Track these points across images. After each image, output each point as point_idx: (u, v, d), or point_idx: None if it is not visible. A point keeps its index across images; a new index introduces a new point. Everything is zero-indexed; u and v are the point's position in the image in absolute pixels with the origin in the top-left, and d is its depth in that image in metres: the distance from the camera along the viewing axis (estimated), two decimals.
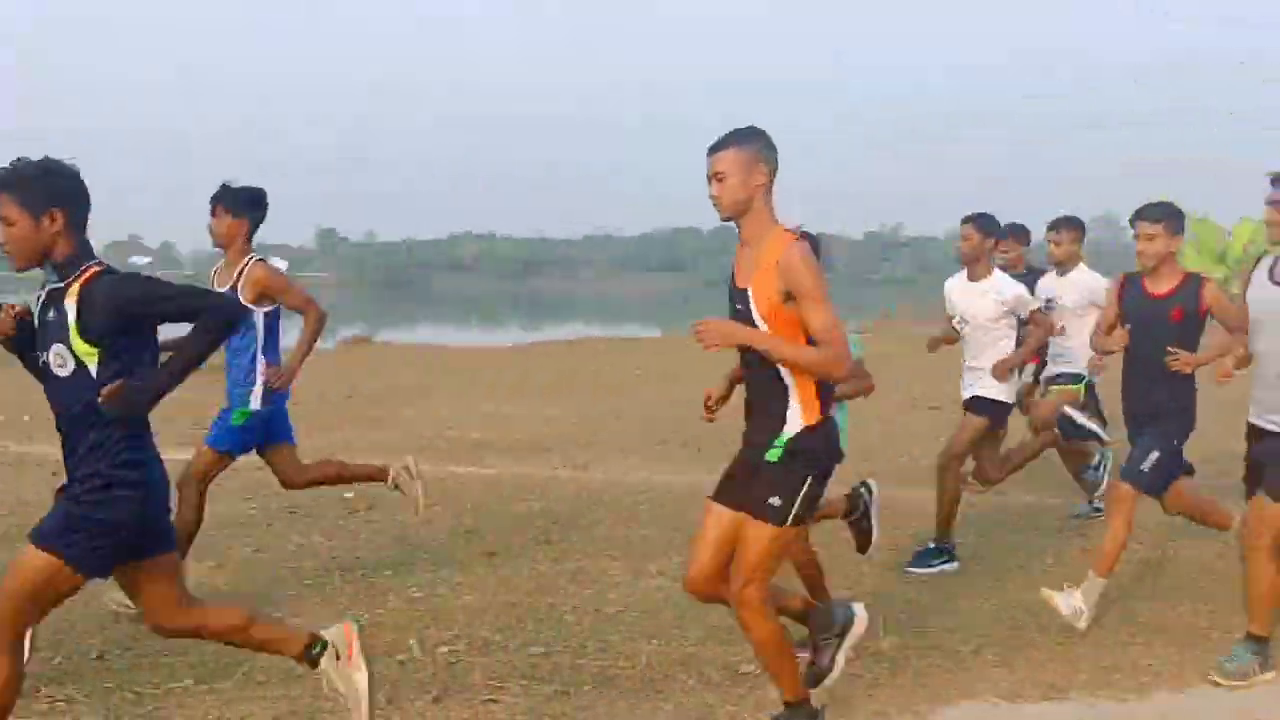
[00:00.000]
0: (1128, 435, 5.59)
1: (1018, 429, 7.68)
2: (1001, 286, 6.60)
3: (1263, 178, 4.96)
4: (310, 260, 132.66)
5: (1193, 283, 5.42)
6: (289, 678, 4.74)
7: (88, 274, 3.68)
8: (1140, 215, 5.43)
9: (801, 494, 3.92)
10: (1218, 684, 4.83)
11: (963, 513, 7.66)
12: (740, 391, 4.32)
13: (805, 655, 5.01)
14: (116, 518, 3.65)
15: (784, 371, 3.91)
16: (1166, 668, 5.02)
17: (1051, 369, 7.55)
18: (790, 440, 3.93)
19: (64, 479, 3.74)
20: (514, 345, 26.28)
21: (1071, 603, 5.29)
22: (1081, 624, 5.28)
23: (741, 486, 4.03)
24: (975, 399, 6.61)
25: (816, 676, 4.23)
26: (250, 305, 5.63)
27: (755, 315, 3.93)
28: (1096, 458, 7.72)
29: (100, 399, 3.60)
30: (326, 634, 4.06)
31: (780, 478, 3.92)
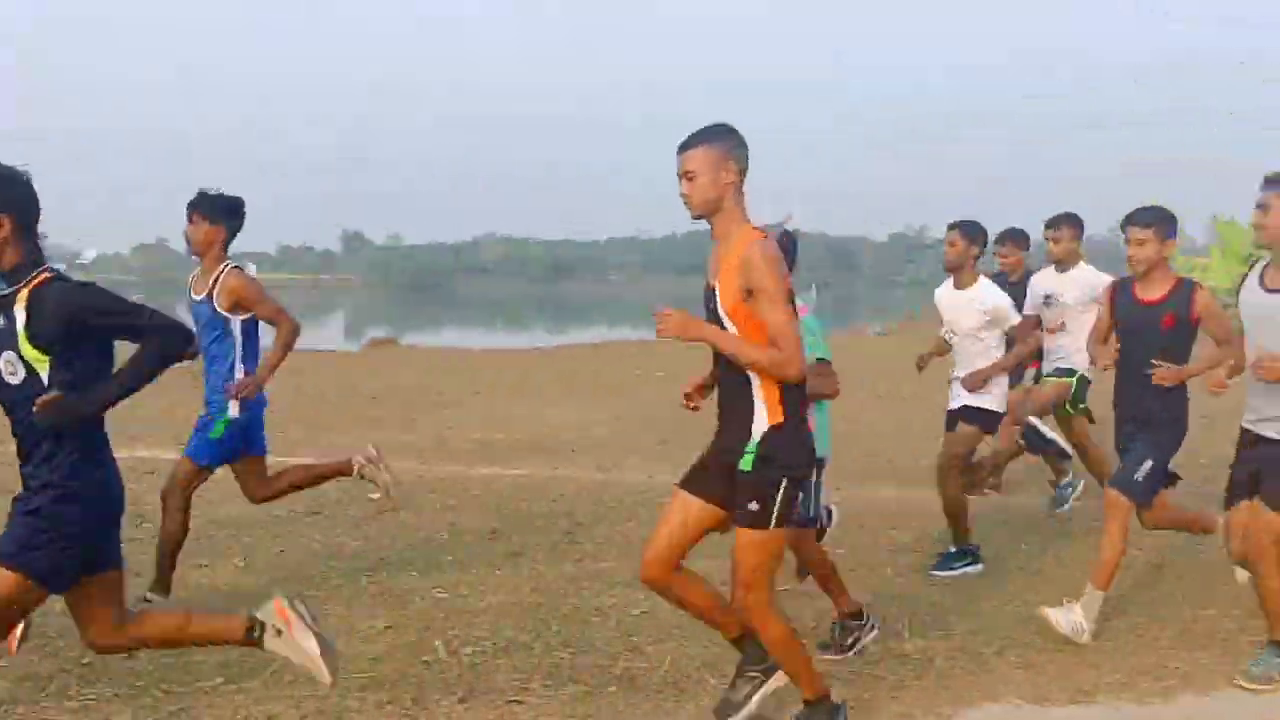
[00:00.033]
0: (1117, 441, 5.51)
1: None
2: (984, 296, 6.45)
3: (1263, 178, 4.92)
4: (335, 263, 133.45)
5: (1185, 289, 5.32)
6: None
7: (38, 280, 3.68)
8: (1131, 220, 5.36)
9: (779, 496, 3.92)
10: (1243, 688, 4.81)
11: (989, 515, 7.67)
12: None
13: (826, 655, 5.05)
14: (73, 530, 3.68)
15: (750, 373, 3.92)
16: (1192, 671, 5.00)
17: (1046, 365, 7.54)
18: (759, 444, 3.93)
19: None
20: (539, 348, 26.34)
21: (1071, 619, 5.25)
22: (1084, 639, 5.23)
23: (712, 479, 4.05)
24: (966, 408, 6.48)
25: (726, 708, 4.21)
26: (226, 313, 5.61)
27: (721, 313, 3.95)
28: (1071, 475, 7.69)
29: (35, 408, 3.60)
30: (259, 614, 4.07)
31: (756, 483, 3.93)
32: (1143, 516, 5.52)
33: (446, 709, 4.52)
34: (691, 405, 4.30)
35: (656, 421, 12.79)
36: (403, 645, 5.21)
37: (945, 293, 6.67)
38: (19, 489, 3.81)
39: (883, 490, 8.76)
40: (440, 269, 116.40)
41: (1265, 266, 4.93)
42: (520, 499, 8.49)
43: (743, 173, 3.99)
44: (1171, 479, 5.51)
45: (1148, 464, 5.28)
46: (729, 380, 4.02)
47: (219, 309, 5.63)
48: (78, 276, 3.98)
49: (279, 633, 4.05)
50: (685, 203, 4.00)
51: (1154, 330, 5.31)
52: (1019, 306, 6.99)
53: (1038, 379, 7.72)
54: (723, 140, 3.97)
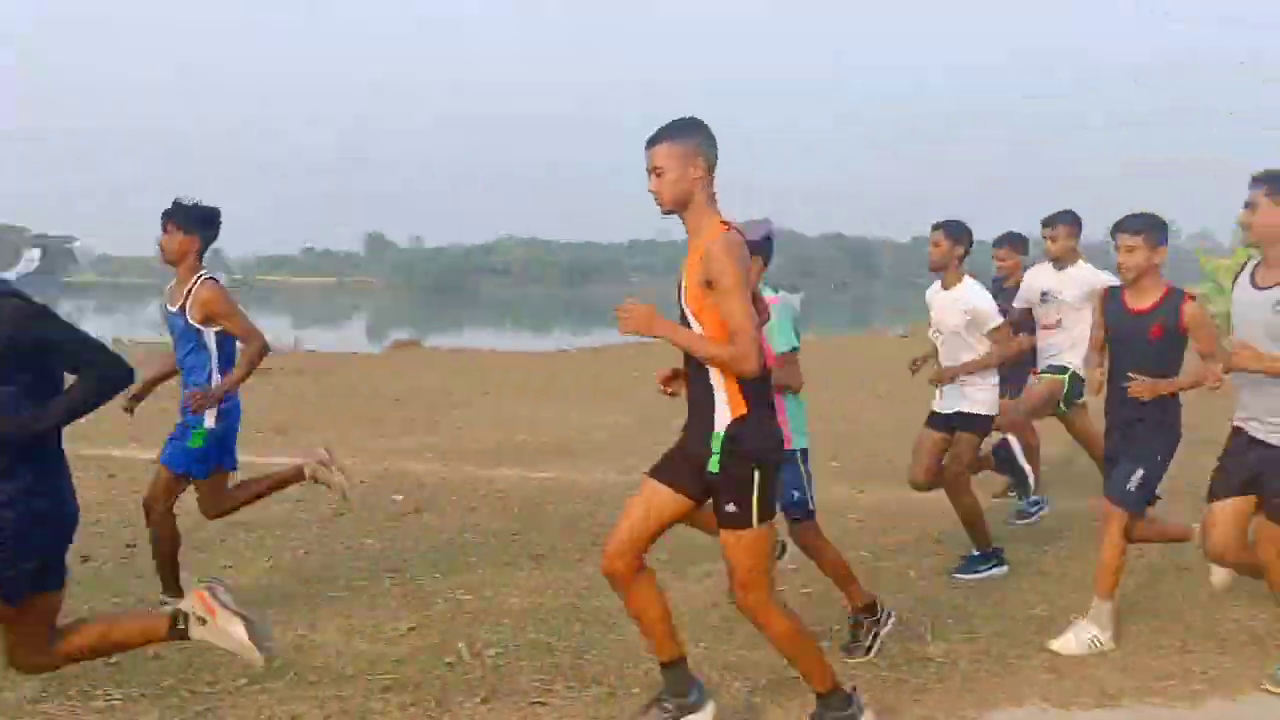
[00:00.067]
0: (1108, 450, 5.44)
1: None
2: (967, 295, 6.38)
3: (1251, 176, 4.89)
4: (359, 265, 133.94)
5: (1174, 299, 5.23)
6: (340, 678, 4.81)
7: None
8: (1120, 227, 5.29)
9: (755, 492, 3.90)
10: (1270, 692, 4.77)
11: (1013, 518, 7.64)
12: None
13: (851, 660, 5.04)
14: (26, 546, 3.69)
15: (712, 368, 3.92)
16: (1219, 675, 4.97)
17: (1039, 362, 7.48)
18: (723, 440, 3.91)
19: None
20: (562, 350, 26.37)
21: (1083, 637, 5.22)
22: (1107, 647, 5.20)
23: (681, 469, 4.03)
24: (959, 416, 6.41)
25: None
26: (199, 325, 5.54)
27: (685, 306, 3.95)
28: (1037, 497, 7.60)
29: None
30: (182, 606, 4.08)
31: (728, 484, 3.92)
32: (1128, 529, 5.42)
33: (470, 710, 4.53)
34: (669, 391, 4.26)
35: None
36: (426, 647, 5.23)
37: (933, 292, 6.63)
38: None
39: (883, 491, 8.71)
40: (462, 271, 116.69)
41: (1257, 265, 4.90)
42: (543, 501, 8.50)
43: (711, 167, 3.97)
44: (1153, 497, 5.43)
45: (1139, 473, 5.21)
46: (693, 373, 4.02)
47: (191, 321, 5.55)
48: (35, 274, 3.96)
49: (203, 621, 4.05)
50: (655, 199, 3.99)
51: (1142, 340, 5.24)
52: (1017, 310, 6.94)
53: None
54: (690, 135, 3.95)
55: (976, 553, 6.51)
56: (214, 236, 5.74)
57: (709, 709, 4.20)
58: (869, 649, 5.13)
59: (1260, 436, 4.85)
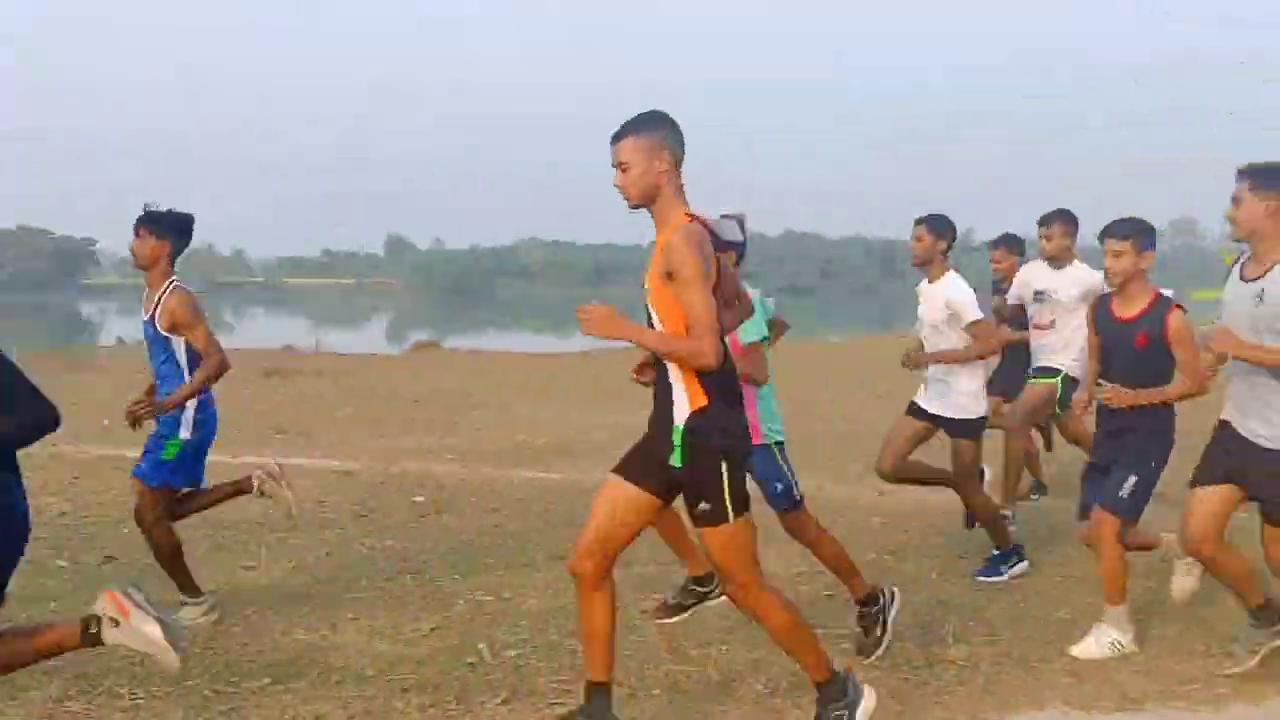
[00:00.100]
0: (1097, 457, 5.39)
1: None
2: (947, 289, 6.36)
3: (1236, 170, 4.85)
4: (379, 266, 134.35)
5: (1160, 308, 5.17)
6: (362, 678, 4.83)
7: None
8: (1107, 231, 5.23)
9: (725, 486, 3.87)
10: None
11: (1034, 520, 7.62)
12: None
13: (868, 660, 5.03)
14: None
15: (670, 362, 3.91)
16: (1243, 680, 4.94)
17: (1032, 364, 7.44)
18: (683, 434, 3.89)
19: None
20: (584, 351, 26.37)
21: (1103, 641, 5.20)
22: (1129, 648, 5.18)
23: (645, 466, 4.02)
24: (950, 422, 6.38)
25: None
26: (166, 334, 5.48)
27: (649, 301, 3.94)
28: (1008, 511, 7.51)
29: None
30: (94, 609, 4.04)
31: (696, 480, 3.90)
32: (1081, 532, 5.38)
33: (490, 711, 4.54)
34: (643, 380, 4.22)
35: None
36: (446, 648, 5.25)
37: (922, 287, 6.62)
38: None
39: (904, 492, 8.70)
40: (482, 272, 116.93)
41: (1247, 259, 4.88)
42: (563, 502, 8.51)
43: (678, 161, 3.95)
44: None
45: (1132, 480, 5.16)
46: (657, 367, 4.01)
47: (160, 329, 5.50)
48: None
49: (116, 623, 4.01)
50: (621, 194, 3.96)
51: (1129, 348, 5.20)
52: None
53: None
54: (654, 129, 3.93)
55: (997, 552, 6.50)
56: (186, 243, 5.69)
57: None
58: (881, 638, 5.12)
59: (1245, 434, 4.83)
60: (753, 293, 5.31)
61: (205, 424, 5.59)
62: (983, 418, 6.41)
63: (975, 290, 6.48)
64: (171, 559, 5.57)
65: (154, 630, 4.01)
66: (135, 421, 5.43)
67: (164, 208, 5.64)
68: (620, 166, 3.93)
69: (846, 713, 4.07)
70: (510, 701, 4.62)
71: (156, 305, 5.53)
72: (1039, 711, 4.62)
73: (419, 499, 8.60)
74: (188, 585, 5.61)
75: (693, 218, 3.91)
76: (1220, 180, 5.03)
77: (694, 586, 5.17)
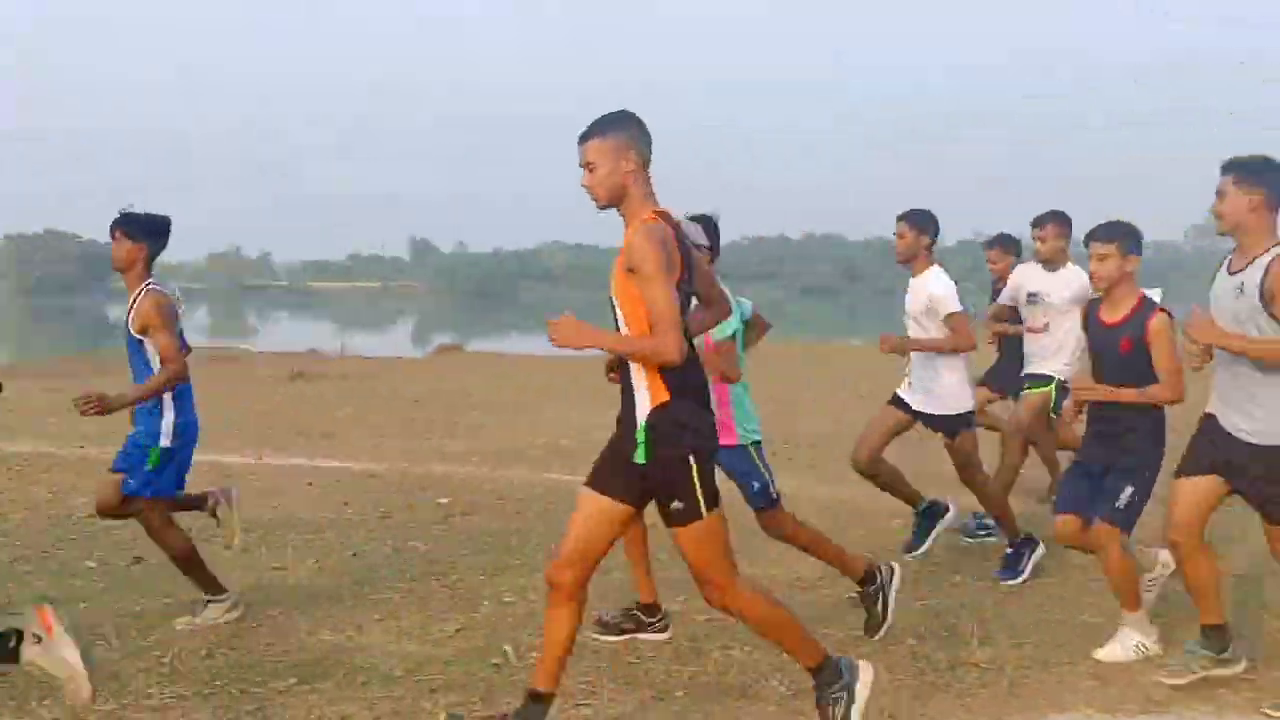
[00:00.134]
0: (1084, 457, 5.37)
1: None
2: (928, 282, 6.41)
3: (1220, 164, 4.83)
4: (403, 270, 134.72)
5: (1144, 311, 5.13)
6: (389, 679, 4.87)
7: None
8: (1092, 235, 5.20)
9: (695, 482, 3.88)
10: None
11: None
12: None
13: (876, 638, 5.03)
14: None
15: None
16: (1269, 684, 4.91)
17: (1026, 368, 7.40)
18: (645, 430, 3.90)
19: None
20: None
21: (1128, 644, 5.17)
22: (1154, 649, 5.16)
23: (614, 473, 4.05)
24: (938, 419, 6.42)
25: None
26: (139, 336, 5.45)
27: (613, 299, 3.96)
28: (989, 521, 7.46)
29: None
30: (17, 621, 4.00)
31: (667, 481, 3.91)
32: (1055, 531, 5.36)
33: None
34: (617, 381, 4.20)
35: None
36: (472, 649, 5.28)
37: (911, 279, 6.65)
38: None
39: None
40: (505, 276, 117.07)
41: (1234, 253, 4.86)
42: None
43: (646, 161, 3.96)
44: None
45: (1128, 490, 5.12)
46: (620, 366, 4.04)
47: (133, 332, 5.49)
48: None
49: (38, 639, 3.97)
50: (589, 194, 3.97)
51: (1114, 353, 5.16)
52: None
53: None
54: (620, 129, 3.94)
55: (1010, 550, 6.48)
56: (163, 246, 5.66)
57: None
58: (884, 615, 5.16)
59: (1228, 428, 4.80)
60: (745, 302, 5.38)
61: (186, 430, 5.53)
62: (970, 411, 6.45)
63: (962, 285, 6.54)
64: (187, 561, 5.57)
65: (75, 656, 3.98)
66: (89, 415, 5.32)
67: (139, 209, 5.63)
68: (587, 166, 3.95)
69: (845, 693, 4.05)
70: None
71: (132, 307, 5.53)
72: (1062, 715, 4.62)
73: (444, 500, 8.64)
74: (209, 584, 5.62)
75: (659, 216, 3.93)
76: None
77: (637, 613, 5.33)
